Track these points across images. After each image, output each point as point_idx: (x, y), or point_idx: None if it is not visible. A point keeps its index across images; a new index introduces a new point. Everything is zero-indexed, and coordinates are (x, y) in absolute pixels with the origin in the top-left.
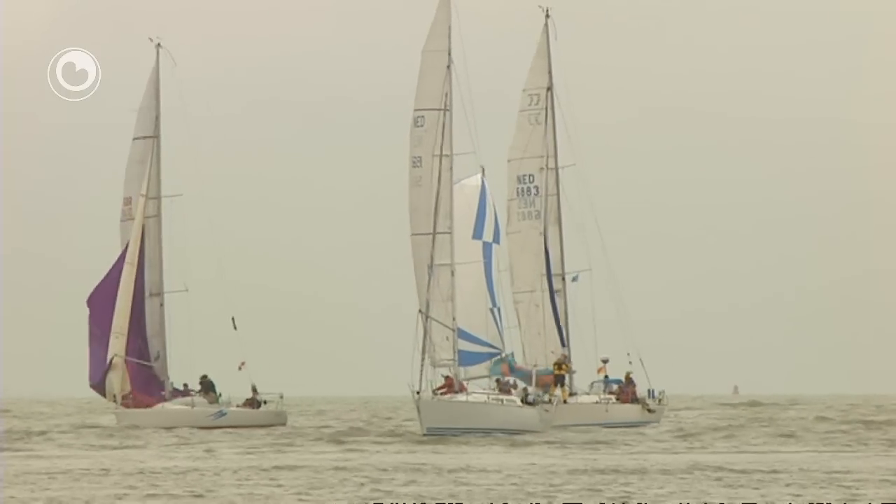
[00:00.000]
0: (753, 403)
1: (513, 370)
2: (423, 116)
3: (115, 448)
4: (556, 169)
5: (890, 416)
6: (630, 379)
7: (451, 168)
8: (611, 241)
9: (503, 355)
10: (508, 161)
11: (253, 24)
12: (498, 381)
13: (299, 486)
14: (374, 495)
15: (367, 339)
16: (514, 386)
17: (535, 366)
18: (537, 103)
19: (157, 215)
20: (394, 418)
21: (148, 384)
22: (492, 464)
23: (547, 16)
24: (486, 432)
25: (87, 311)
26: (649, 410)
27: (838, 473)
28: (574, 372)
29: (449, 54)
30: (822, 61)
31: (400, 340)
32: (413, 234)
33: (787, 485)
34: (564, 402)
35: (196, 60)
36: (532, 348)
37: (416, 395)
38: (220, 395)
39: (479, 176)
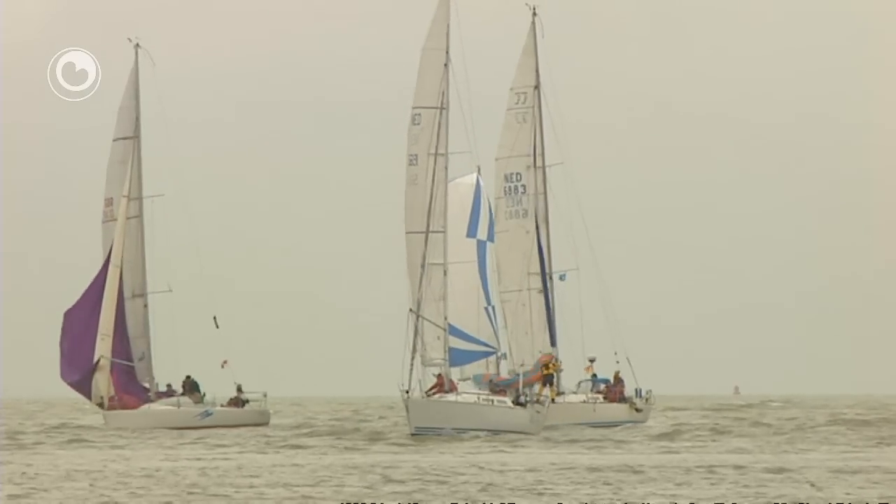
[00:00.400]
0: (738, 405)
1: (494, 384)
2: (420, 114)
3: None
4: (544, 167)
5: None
6: (619, 378)
7: (446, 167)
8: (598, 239)
9: (498, 354)
10: (496, 160)
11: (241, 23)
12: (491, 381)
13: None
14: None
15: (360, 339)
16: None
17: (521, 365)
18: (524, 102)
19: (139, 216)
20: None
21: (131, 385)
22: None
23: (534, 14)
24: (475, 432)
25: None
26: (637, 410)
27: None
28: (562, 371)
29: (447, 53)
30: (812, 62)
31: (391, 340)
32: (407, 233)
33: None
34: (553, 401)
35: (189, 60)
36: (520, 348)
37: (406, 395)
38: (205, 394)
39: (475, 175)
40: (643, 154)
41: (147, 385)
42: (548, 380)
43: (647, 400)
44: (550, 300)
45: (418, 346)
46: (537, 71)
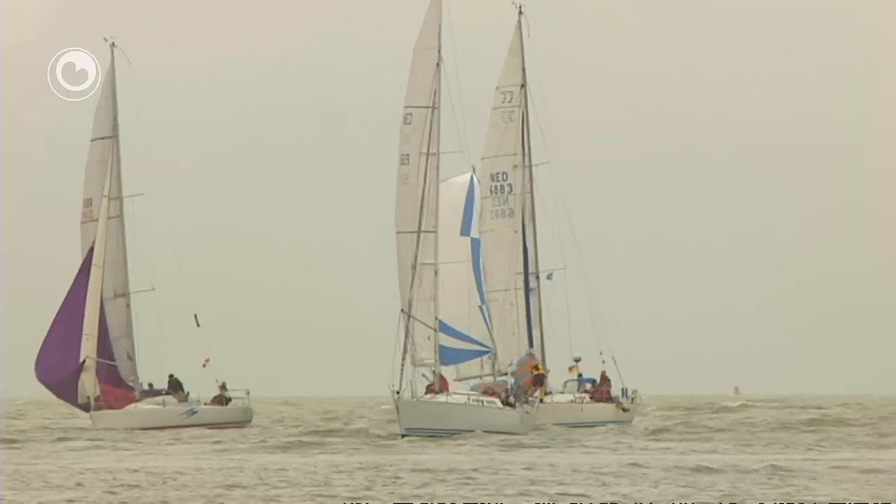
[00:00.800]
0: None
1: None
2: (411, 114)
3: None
4: (530, 167)
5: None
6: (605, 378)
7: (437, 167)
8: (585, 239)
9: (491, 355)
10: (482, 159)
11: (239, 24)
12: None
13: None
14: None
15: (357, 339)
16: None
17: (510, 365)
18: (510, 101)
19: (120, 215)
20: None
21: (118, 384)
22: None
23: (520, 13)
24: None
25: None
26: (624, 409)
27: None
28: (549, 371)
29: (439, 52)
30: (796, 62)
31: (387, 339)
32: (398, 232)
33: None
34: (541, 401)
35: (188, 60)
36: (508, 348)
37: (396, 395)
38: (188, 393)
39: (469, 175)
40: (632, 153)
41: (132, 384)
42: (539, 380)
43: (633, 400)
44: (531, 300)
45: (409, 347)
46: (524, 70)
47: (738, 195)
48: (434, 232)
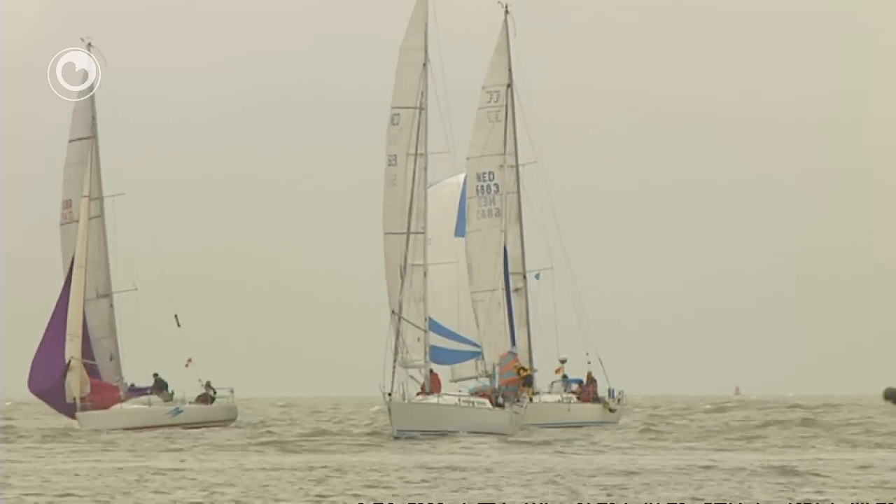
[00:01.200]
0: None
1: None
2: (398, 114)
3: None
4: (517, 166)
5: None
6: (592, 378)
7: (425, 168)
8: (571, 238)
9: (479, 356)
10: (467, 159)
11: (237, 23)
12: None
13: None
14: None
15: (341, 339)
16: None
17: (497, 364)
18: (497, 100)
19: (100, 216)
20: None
21: (101, 384)
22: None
23: (506, 12)
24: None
25: None
26: (610, 410)
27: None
28: (536, 370)
29: (425, 52)
30: (796, 62)
31: (376, 339)
32: (386, 234)
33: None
34: (530, 400)
35: (188, 60)
36: (494, 348)
37: (388, 397)
38: (173, 392)
39: (463, 176)
40: (620, 152)
41: (116, 384)
42: (527, 381)
43: (619, 400)
44: (518, 300)
45: (400, 348)
46: (510, 69)
47: (736, 195)
48: (423, 233)
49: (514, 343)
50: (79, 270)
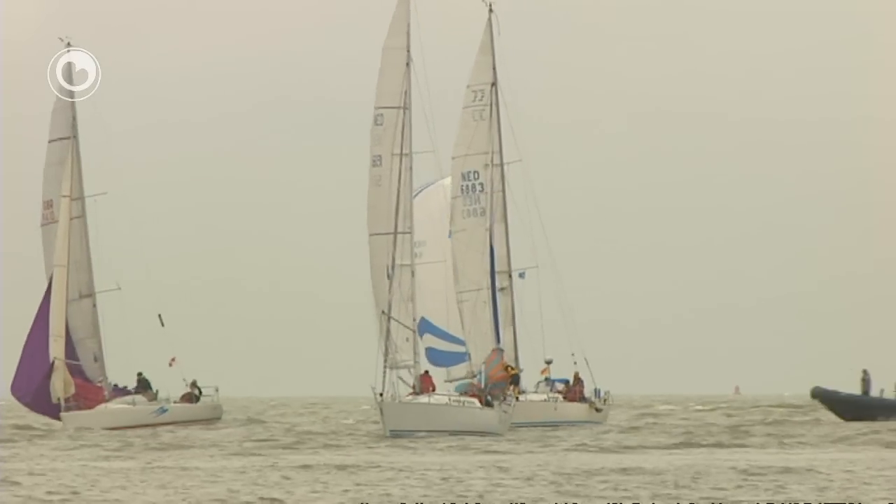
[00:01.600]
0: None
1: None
2: (382, 114)
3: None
4: (502, 165)
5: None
6: (578, 378)
7: (410, 167)
8: (557, 237)
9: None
10: (452, 158)
11: (225, 23)
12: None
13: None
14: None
15: (331, 338)
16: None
17: (483, 363)
18: (481, 99)
19: (82, 216)
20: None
21: (85, 385)
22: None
23: (490, 11)
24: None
25: None
26: (597, 410)
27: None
28: (522, 370)
29: (408, 52)
30: (796, 62)
31: (361, 339)
32: (371, 235)
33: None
34: (517, 399)
35: (186, 60)
36: (483, 348)
37: (379, 398)
38: (157, 391)
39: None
40: (606, 151)
41: (100, 384)
42: (514, 380)
43: (605, 400)
44: (503, 299)
45: (390, 348)
46: (494, 68)
47: (736, 195)
48: (409, 233)
49: (499, 341)
50: (60, 270)
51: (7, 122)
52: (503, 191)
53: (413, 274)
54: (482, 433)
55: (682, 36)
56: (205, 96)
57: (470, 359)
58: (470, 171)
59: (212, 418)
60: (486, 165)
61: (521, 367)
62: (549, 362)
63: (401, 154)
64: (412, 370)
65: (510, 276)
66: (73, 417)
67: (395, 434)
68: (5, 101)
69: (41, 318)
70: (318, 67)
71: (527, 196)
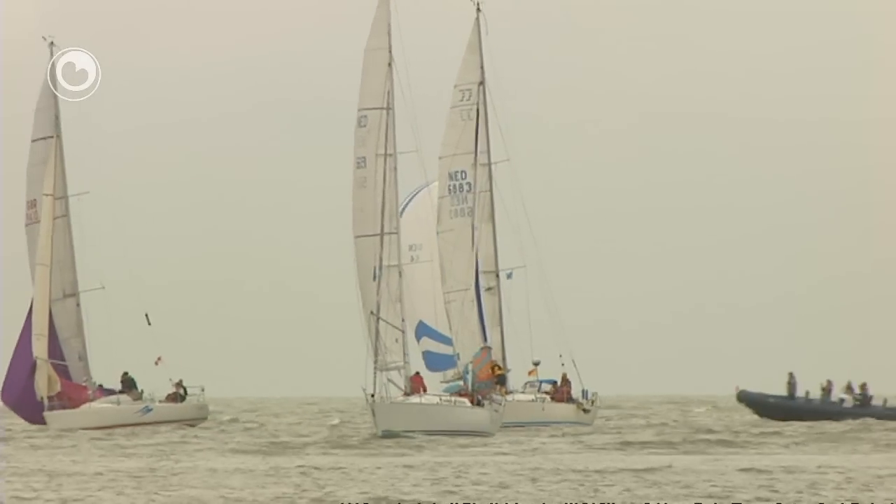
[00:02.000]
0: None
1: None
2: (365, 116)
3: None
4: (489, 164)
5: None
6: (566, 379)
7: (395, 168)
8: (545, 237)
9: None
10: (440, 158)
11: (225, 23)
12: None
13: None
14: None
15: (327, 338)
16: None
17: (470, 362)
18: (469, 98)
19: (66, 215)
20: None
21: (70, 384)
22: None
23: (478, 10)
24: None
25: None
26: (584, 410)
27: None
28: (509, 370)
29: (390, 52)
30: (796, 62)
31: (353, 339)
32: (357, 237)
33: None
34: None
35: (186, 59)
36: (471, 347)
37: (371, 398)
38: (142, 391)
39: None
40: (594, 150)
41: (85, 384)
42: (501, 380)
43: (592, 401)
44: (489, 300)
45: (380, 349)
46: (482, 67)
47: (735, 195)
48: (396, 234)
49: (485, 340)
50: (42, 269)
51: (7, 122)
52: (490, 190)
53: (401, 274)
54: (473, 433)
55: (682, 36)
56: (205, 96)
57: (458, 359)
58: (457, 171)
59: (197, 418)
60: (474, 165)
61: (509, 367)
62: (536, 364)
63: (385, 154)
64: (402, 371)
65: (497, 275)
66: (57, 417)
67: (388, 434)
68: (5, 101)
69: (29, 324)
70: (318, 67)
71: (514, 195)
